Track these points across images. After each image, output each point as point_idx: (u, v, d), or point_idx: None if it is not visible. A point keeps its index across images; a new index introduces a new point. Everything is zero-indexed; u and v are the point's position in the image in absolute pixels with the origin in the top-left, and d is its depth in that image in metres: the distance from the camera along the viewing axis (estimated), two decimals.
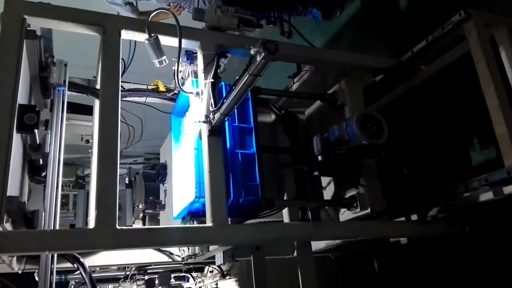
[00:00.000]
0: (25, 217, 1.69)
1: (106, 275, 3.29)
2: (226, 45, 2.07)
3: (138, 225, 3.25)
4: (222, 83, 2.01)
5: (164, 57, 1.97)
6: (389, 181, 2.23)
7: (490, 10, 1.93)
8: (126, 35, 1.93)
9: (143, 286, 3.48)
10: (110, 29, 1.86)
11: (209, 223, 1.74)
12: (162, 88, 2.52)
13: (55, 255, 1.95)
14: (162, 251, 2.45)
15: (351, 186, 2.12)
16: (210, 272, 3.75)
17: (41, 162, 2.07)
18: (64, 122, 2.13)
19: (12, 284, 2.29)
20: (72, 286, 2.99)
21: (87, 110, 2.69)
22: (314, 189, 2.43)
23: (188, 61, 2.23)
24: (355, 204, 2.06)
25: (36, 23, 1.83)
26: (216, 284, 3.77)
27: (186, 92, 2.07)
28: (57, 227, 1.94)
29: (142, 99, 2.54)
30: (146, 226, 3.01)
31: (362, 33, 3.20)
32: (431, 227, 2.09)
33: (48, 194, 1.93)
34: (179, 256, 2.48)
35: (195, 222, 2.11)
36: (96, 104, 2.40)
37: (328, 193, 2.32)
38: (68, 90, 2.24)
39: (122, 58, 1.94)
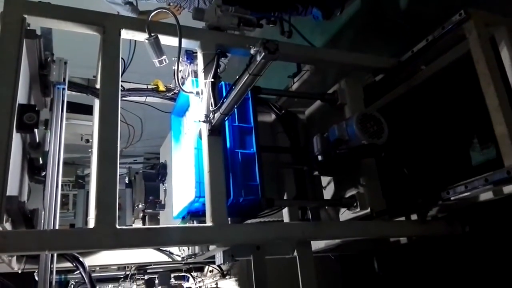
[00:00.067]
0: (25, 216, 1.69)
1: (106, 275, 3.29)
2: (226, 45, 2.07)
3: (138, 224, 3.25)
4: (222, 82, 2.01)
5: (164, 57, 1.97)
6: (389, 181, 2.23)
7: (490, 10, 1.92)
8: (126, 34, 1.93)
9: (143, 286, 3.48)
10: (110, 29, 1.86)
11: (209, 223, 1.74)
12: (162, 88, 2.52)
13: (55, 254, 1.95)
14: (162, 251, 2.45)
15: (351, 186, 2.12)
16: (210, 271, 3.75)
17: (40, 162, 2.07)
18: (64, 121, 2.13)
19: (12, 283, 2.29)
20: (72, 286, 2.99)
21: (87, 110, 2.69)
22: (314, 189, 2.43)
23: (188, 61, 2.23)
24: (355, 204, 2.06)
25: (36, 23, 1.83)
26: (216, 283, 3.77)
27: (186, 92, 2.07)
28: (57, 227, 1.94)
29: (142, 99, 2.54)
30: (146, 226, 3.01)
31: (362, 33, 3.19)
32: (431, 227, 2.09)
33: (47, 193, 1.93)
34: (179, 256, 2.48)
35: (195, 221, 2.11)
36: (96, 104, 2.40)
37: (328, 193, 2.32)
38: (68, 90, 2.24)
39: (122, 58, 1.93)
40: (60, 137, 2.06)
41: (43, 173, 2.03)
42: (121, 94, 1.81)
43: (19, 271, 2.10)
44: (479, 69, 1.78)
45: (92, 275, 2.22)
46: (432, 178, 2.40)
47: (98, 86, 2.24)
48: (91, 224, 2.03)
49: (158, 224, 3.02)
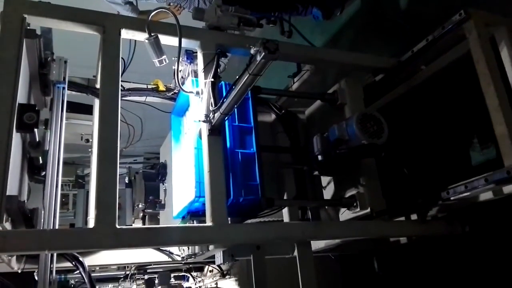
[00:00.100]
0: (25, 216, 1.69)
1: (105, 275, 3.30)
2: (226, 45, 2.07)
3: (138, 224, 3.25)
4: (222, 82, 2.01)
5: (164, 57, 1.97)
6: (389, 180, 2.23)
7: (490, 10, 1.92)
8: (126, 34, 1.93)
9: (143, 285, 3.48)
10: (110, 28, 1.86)
11: (209, 223, 1.74)
12: (162, 88, 2.52)
13: (55, 254, 1.95)
14: (162, 251, 2.45)
15: (351, 186, 2.12)
16: (210, 271, 3.75)
17: (40, 161, 2.06)
18: (64, 120, 2.12)
19: (11, 283, 2.29)
20: (72, 286, 2.99)
21: (87, 110, 2.69)
22: (314, 189, 2.43)
23: (188, 61, 2.23)
24: (355, 204, 2.06)
25: (36, 22, 1.83)
26: (216, 283, 3.77)
27: (186, 92, 2.07)
28: (57, 227, 1.94)
29: (142, 99, 2.54)
30: (146, 226, 3.00)
31: (362, 32, 3.19)
32: (431, 227, 2.09)
33: (47, 193, 1.93)
34: (179, 256, 2.48)
35: (195, 221, 2.11)
36: (96, 104, 2.40)
37: (328, 193, 2.32)
38: (68, 89, 2.24)
39: (122, 58, 1.93)
40: (60, 137, 2.06)
41: (43, 173, 2.02)
42: (121, 94, 1.81)
43: (19, 271, 2.10)
44: (479, 69, 1.78)
45: (92, 275, 2.22)
46: (432, 178, 2.40)
47: (98, 86, 2.24)
48: (91, 224, 2.03)
49: (158, 224, 3.02)
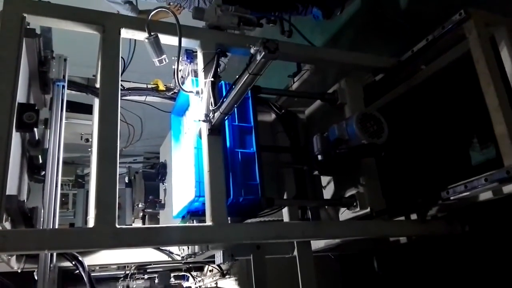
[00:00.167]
0: (24, 215, 1.69)
1: (105, 274, 3.29)
2: (226, 44, 2.07)
3: (137, 224, 3.25)
4: (222, 82, 2.01)
5: (164, 56, 1.97)
6: (389, 180, 2.23)
7: (490, 9, 1.92)
8: (126, 33, 1.92)
9: (143, 285, 3.48)
10: (110, 28, 1.86)
11: (209, 222, 1.74)
12: (162, 87, 2.52)
13: (55, 254, 1.95)
14: (161, 250, 2.45)
15: (351, 186, 2.12)
16: (210, 271, 3.75)
17: (40, 161, 2.06)
18: (64, 118, 2.12)
19: (11, 283, 2.29)
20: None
21: (87, 109, 2.69)
22: (314, 189, 2.43)
23: (188, 60, 2.23)
24: (355, 204, 2.06)
25: (35, 22, 1.83)
26: (216, 283, 3.77)
27: (186, 91, 2.07)
28: (57, 226, 1.94)
29: (142, 98, 2.54)
30: (146, 225, 3.01)
31: (362, 32, 3.19)
32: (431, 227, 2.09)
33: (47, 192, 1.93)
34: (179, 255, 2.48)
35: (194, 221, 2.11)
36: (96, 103, 2.40)
37: (328, 193, 2.32)
38: (68, 89, 2.24)
39: (121, 57, 1.93)
40: (59, 136, 2.06)
41: (43, 172, 2.02)
42: (121, 93, 1.81)
43: (19, 270, 2.10)
44: (479, 68, 1.78)
45: (92, 274, 2.22)
46: (432, 177, 2.40)
47: (98, 85, 2.24)
48: (91, 223, 2.02)
49: (158, 224, 3.02)
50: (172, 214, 2.41)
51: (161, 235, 1.67)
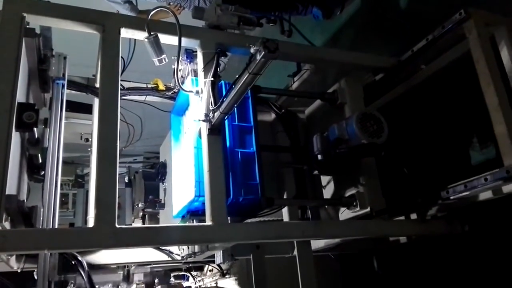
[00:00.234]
0: (24, 214, 1.69)
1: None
2: (226, 44, 2.07)
3: (137, 224, 3.25)
4: (222, 81, 2.01)
5: (163, 56, 1.96)
6: (389, 180, 2.23)
7: (490, 9, 1.92)
8: (126, 33, 1.92)
9: (143, 285, 3.48)
10: (110, 27, 1.86)
11: (208, 222, 1.74)
12: (161, 87, 2.52)
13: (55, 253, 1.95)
14: (161, 250, 2.45)
15: (351, 185, 2.12)
16: (210, 271, 3.75)
17: (40, 160, 2.06)
18: (64, 117, 2.12)
19: (11, 283, 2.29)
20: (72, 285, 2.98)
21: (87, 109, 2.69)
22: (314, 188, 2.43)
23: (188, 60, 2.22)
24: (354, 203, 2.06)
25: (35, 21, 1.83)
26: (216, 283, 3.77)
27: (186, 91, 2.07)
28: (56, 226, 1.93)
29: (142, 98, 2.53)
30: (146, 225, 3.00)
31: (362, 32, 3.19)
32: (431, 226, 2.09)
33: (47, 192, 1.93)
34: (179, 255, 2.48)
35: (194, 221, 2.11)
36: (96, 103, 2.39)
37: (328, 192, 2.32)
38: (68, 89, 2.23)
39: (121, 57, 1.93)
40: (59, 135, 2.06)
41: (42, 172, 2.02)
42: (120, 93, 1.81)
43: (19, 270, 2.10)
44: (479, 68, 1.78)
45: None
46: (431, 177, 2.40)
47: (97, 85, 2.23)
48: (91, 223, 2.02)
49: (158, 223, 3.02)
50: (172, 213, 2.41)
51: (161, 235, 1.67)
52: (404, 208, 2.16)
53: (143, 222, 3.17)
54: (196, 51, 2.12)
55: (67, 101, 2.21)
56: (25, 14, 1.73)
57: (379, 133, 1.91)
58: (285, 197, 2.33)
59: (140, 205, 3.23)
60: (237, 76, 1.56)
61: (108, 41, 1.84)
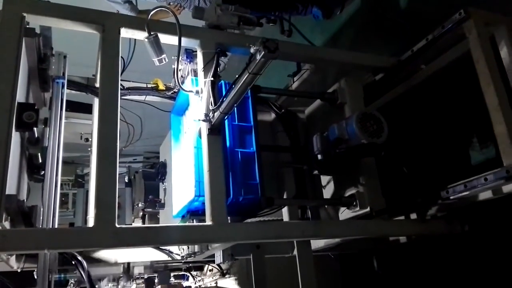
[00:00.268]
0: (24, 214, 1.69)
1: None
2: (226, 44, 2.07)
3: (137, 223, 3.25)
4: (222, 81, 2.01)
5: (163, 56, 1.97)
6: (389, 180, 2.23)
7: (490, 9, 1.92)
8: (126, 33, 1.92)
9: (143, 285, 3.48)
10: (110, 27, 1.86)
11: (208, 222, 1.74)
12: (161, 87, 2.52)
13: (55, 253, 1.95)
14: (161, 250, 2.45)
15: (351, 185, 2.12)
16: (210, 270, 3.75)
17: (40, 160, 2.06)
18: (64, 117, 2.12)
19: (11, 282, 2.29)
20: (72, 285, 2.99)
21: (87, 109, 2.69)
22: (314, 188, 2.44)
23: (188, 60, 2.23)
24: (354, 203, 2.07)
25: (35, 21, 1.83)
26: (216, 282, 3.77)
27: (186, 91, 2.07)
28: (56, 226, 1.93)
29: (142, 98, 2.53)
30: (146, 225, 3.01)
31: (362, 32, 3.19)
32: (431, 226, 2.09)
33: (47, 192, 1.92)
34: (179, 255, 2.48)
35: (194, 220, 2.11)
36: (96, 103, 2.40)
37: (327, 192, 2.32)
38: (68, 88, 2.23)
39: (121, 56, 1.93)
40: (59, 135, 2.05)
41: (42, 172, 2.02)
42: (120, 93, 1.81)
43: (18, 270, 2.10)
44: (479, 68, 1.78)
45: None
46: (431, 177, 2.40)
47: (97, 85, 2.23)
48: (91, 223, 2.02)
49: (158, 223, 3.02)
50: (172, 213, 2.41)
51: (161, 235, 1.67)
52: (404, 208, 2.16)
53: (143, 222, 3.17)
54: (196, 51, 2.12)
55: (67, 101, 2.21)
56: (25, 14, 1.73)
57: (379, 133, 1.91)
58: (285, 197, 2.33)
59: (140, 205, 3.23)
60: (237, 76, 1.56)
61: (108, 41, 1.85)
